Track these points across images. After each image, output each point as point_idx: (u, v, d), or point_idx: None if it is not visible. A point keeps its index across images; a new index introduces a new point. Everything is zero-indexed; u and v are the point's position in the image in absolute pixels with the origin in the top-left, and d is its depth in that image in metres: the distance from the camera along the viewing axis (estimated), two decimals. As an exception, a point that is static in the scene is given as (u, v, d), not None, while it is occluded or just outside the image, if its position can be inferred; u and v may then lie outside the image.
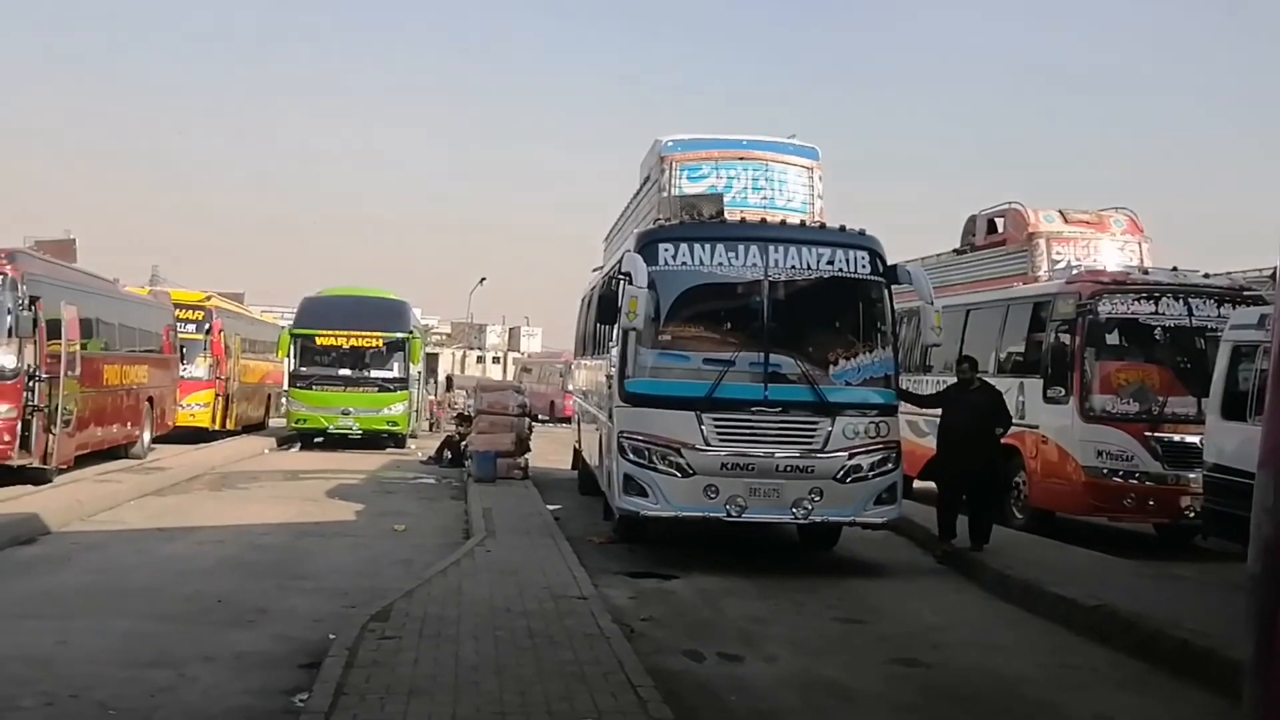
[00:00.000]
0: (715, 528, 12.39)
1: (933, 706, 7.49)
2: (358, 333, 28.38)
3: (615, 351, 12.58)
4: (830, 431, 11.77)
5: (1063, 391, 14.89)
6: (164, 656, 7.66)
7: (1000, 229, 19.26)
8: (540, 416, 33.48)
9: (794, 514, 11.81)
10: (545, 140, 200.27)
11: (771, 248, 12.22)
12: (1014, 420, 14.68)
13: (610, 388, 12.82)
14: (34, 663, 7.38)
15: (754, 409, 11.75)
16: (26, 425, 16.24)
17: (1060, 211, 18.43)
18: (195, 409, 26.98)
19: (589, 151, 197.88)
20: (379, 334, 28.51)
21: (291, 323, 29.90)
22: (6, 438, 15.84)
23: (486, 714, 6.18)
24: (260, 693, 6.97)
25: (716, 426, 11.69)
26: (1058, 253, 17.85)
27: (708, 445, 11.67)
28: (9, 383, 15.90)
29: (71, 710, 6.47)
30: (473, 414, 23.11)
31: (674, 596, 10.68)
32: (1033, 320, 16.14)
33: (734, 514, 11.69)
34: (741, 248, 12.20)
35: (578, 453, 20.01)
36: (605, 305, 12.92)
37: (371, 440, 28.43)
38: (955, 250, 20.42)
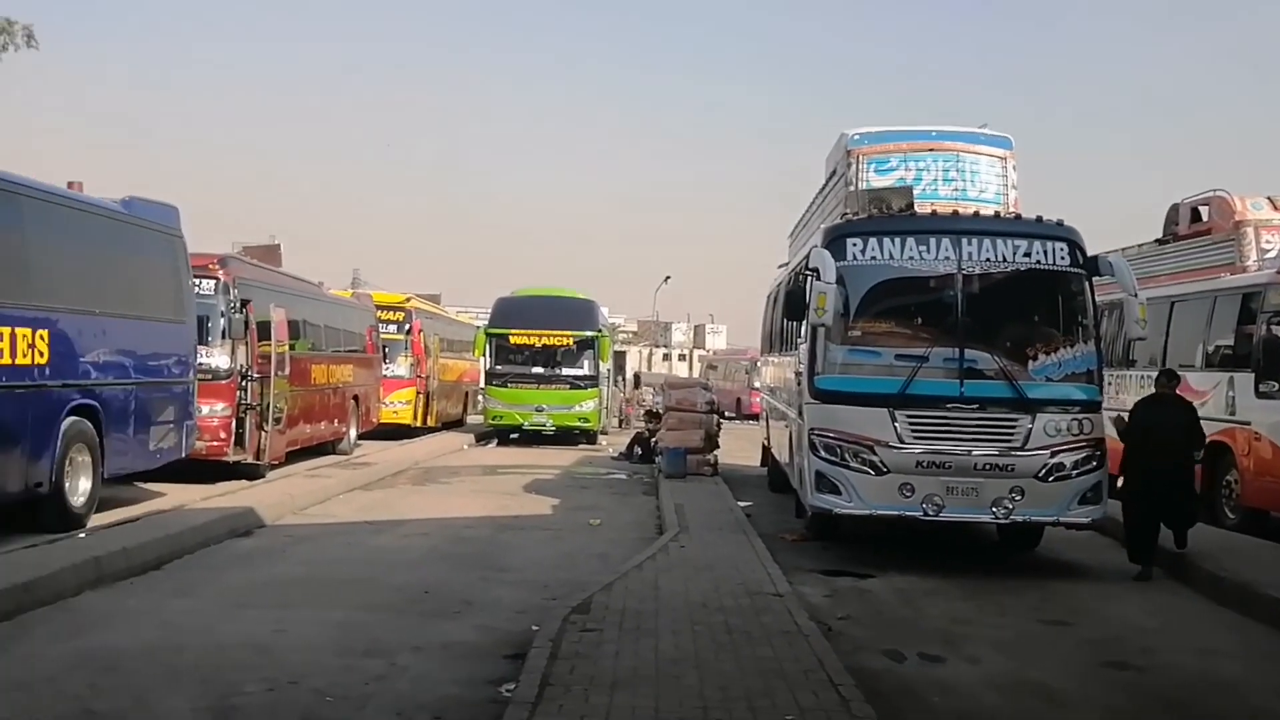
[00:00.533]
0: (909, 526, 12.23)
1: (1145, 711, 7.26)
2: (549, 331, 28.96)
3: (804, 348, 12.52)
4: (1030, 429, 11.49)
5: (1276, 386, 14.18)
6: (376, 646, 7.95)
7: (1205, 218, 18.45)
8: (727, 413, 33.53)
9: (994, 513, 11.56)
10: (729, 139, 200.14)
11: (964, 240, 12.00)
12: (1224, 416, 14.07)
13: (800, 384, 12.77)
14: (256, 650, 7.75)
15: (949, 406, 11.55)
16: (240, 423, 17.06)
17: (1269, 199, 17.55)
18: (398, 406, 27.89)
19: (773, 147, 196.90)
20: (569, 333, 29.04)
21: (486, 322, 30.67)
22: (222, 435, 16.65)
23: (689, 708, 6.23)
24: (467, 682, 7.17)
25: (910, 423, 11.53)
26: (1267, 241, 16.99)
27: (902, 443, 11.51)
28: (223, 382, 16.70)
29: (292, 696, 6.76)
30: (661, 411, 23.32)
31: (870, 595, 10.59)
32: (1242, 312, 15.41)
33: (931, 513, 11.51)
34: (933, 241, 12.01)
35: (766, 449, 19.99)
36: (792, 302, 12.85)
37: (564, 436, 28.94)
38: (1157, 240, 19.64)
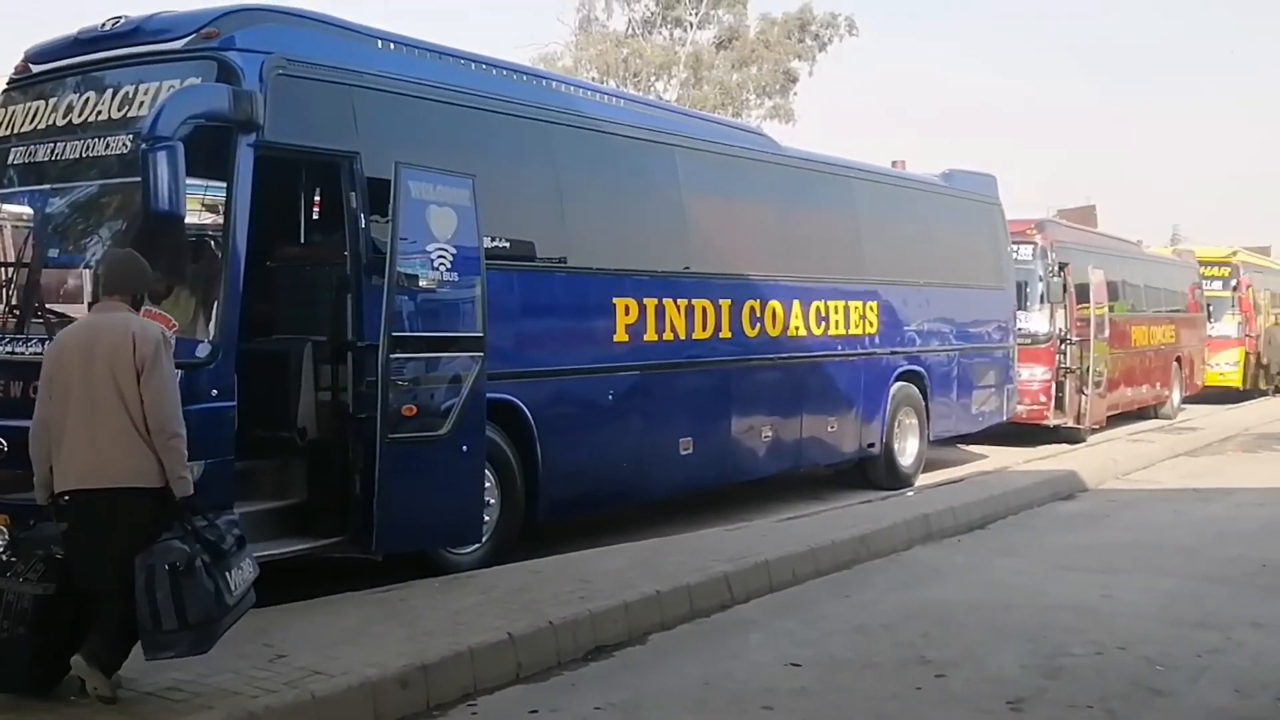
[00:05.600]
0: None
1: None
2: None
3: None
4: None
5: None
6: (1209, 618, 7.55)
7: None
8: None
9: None
10: None
11: None
12: None
13: None
14: (1082, 613, 7.68)
15: None
16: (1059, 387, 17.12)
17: None
18: (1224, 368, 26.20)
19: None
20: None
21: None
22: (1042, 399, 16.87)
23: None
24: (1317, 665, 6.61)
25: None
26: None
27: None
28: (1042, 347, 16.90)
29: (1120, 662, 6.63)
30: None
31: None
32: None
33: None
34: None
35: None
36: None
37: None
38: None
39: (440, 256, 7.58)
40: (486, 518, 8.23)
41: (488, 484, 8.22)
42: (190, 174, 6.61)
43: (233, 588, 5.19)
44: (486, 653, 6.02)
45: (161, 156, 6.42)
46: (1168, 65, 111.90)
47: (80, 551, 5.18)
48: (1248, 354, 26.72)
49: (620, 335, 9.74)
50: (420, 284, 7.49)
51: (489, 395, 7.92)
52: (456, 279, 7.68)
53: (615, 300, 9.73)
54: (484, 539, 8.25)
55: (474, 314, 7.82)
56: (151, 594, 4.94)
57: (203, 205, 7.94)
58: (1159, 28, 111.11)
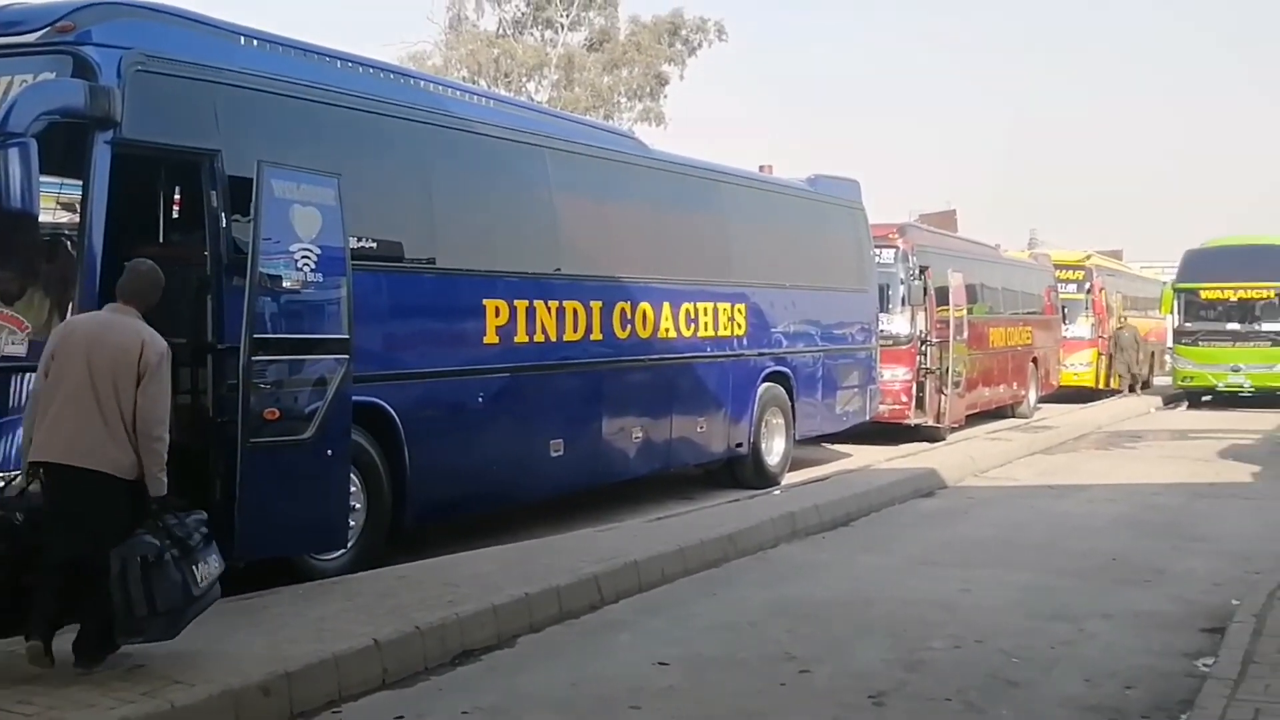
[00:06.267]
0: None
1: None
2: (1248, 284, 26.58)
3: None
4: None
5: None
6: (1063, 610, 7.82)
7: None
8: None
9: None
10: None
11: None
12: None
13: None
14: (942, 607, 7.91)
15: None
16: (920, 387, 17.54)
17: None
18: (1078, 368, 27.09)
19: None
20: (1272, 285, 26.47)
21: (1174, 278, 28.91)
22: (904, 399, 17.26)
23: None
24: (1160, 653, 6.87)
25: None
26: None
27: None
28: (904, 348, 17.28)
29: (978, 655, 6.82)
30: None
31: None
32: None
33: None
34: None
35: None
36: None
37: (1265, 399, 26.48)
38: None
39: (304, 257, 7.43)
40: (352, 522, 8.13)
41: (353, 488, 8.11)
42: (45, 171, 6.48)
43: (199, 580, 5.66)
44: (352, 659, 5.95)
45: (13, 153, 6.26)
46: (1026, 71, 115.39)
47: (56, 522, 5.55)
48: (1100, 354, 27.69)
49: (490, 337, 9.70)
50: (283, 285, 7.34)
51: (355, 398, 7.80)
52: (321, 280, 7.54)
53: (485, 301, 9.68)
54: (349, 544, 8.14)
55: (339, 315, 7.70)
56: (124, 583, 5.39)
57: (58, 203, 7.73)
58: (1017, 37, 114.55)
